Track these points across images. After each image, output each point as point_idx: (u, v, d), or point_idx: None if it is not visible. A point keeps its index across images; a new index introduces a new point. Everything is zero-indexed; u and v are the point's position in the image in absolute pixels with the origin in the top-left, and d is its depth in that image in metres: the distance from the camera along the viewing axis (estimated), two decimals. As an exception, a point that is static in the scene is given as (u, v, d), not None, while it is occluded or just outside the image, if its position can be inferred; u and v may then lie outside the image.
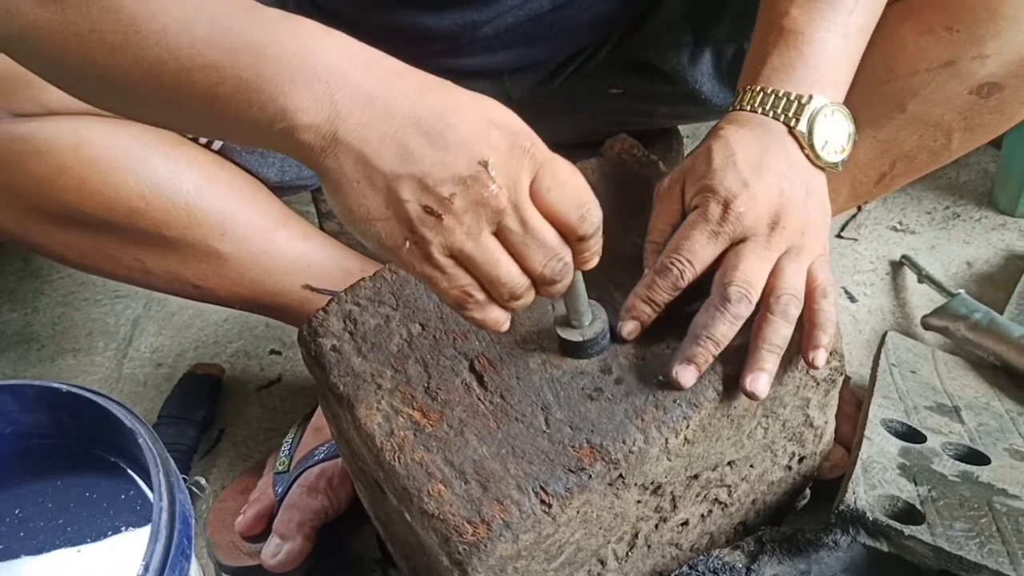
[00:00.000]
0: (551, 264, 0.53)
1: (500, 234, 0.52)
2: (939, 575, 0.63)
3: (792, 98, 0.63)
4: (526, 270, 0.53)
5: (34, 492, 0.67)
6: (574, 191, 0.52)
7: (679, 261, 0.61)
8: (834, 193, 0.69)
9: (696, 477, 0.65)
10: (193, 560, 0.61)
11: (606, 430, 0.59)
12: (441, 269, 0.51)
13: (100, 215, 0.76)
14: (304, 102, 0.48)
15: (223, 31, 0.48)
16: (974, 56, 0.71)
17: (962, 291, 0.98)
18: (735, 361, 0.61)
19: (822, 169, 0.65)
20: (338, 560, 0.86)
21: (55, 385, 0.65)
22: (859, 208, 1.19)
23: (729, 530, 0.74)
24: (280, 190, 0.88)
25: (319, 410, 0.90)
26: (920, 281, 1.07)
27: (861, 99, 0.69)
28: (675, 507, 0.66)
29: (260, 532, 0.85)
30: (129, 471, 0.67)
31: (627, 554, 0.66)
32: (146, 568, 0.55)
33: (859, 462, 0.69)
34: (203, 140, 0.81)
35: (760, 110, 0.64)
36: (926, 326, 0.99)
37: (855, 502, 0.65)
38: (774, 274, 0.61)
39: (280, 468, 0.88)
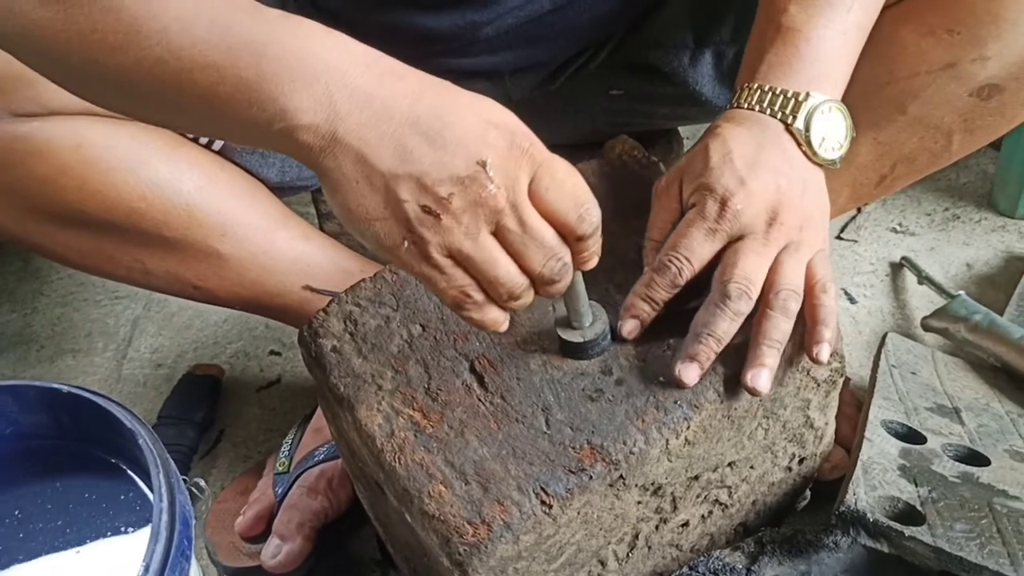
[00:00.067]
0: (550, 264, 0.53)
1: (499, 234, 0.52)
2: (939, 576, 0.64)
3: (789, 95, 0.63)
4: (525, 270, 0.53)
5: (34, 493, 0.67)
6: (572, 191, 0.52)
7: (677, 259, 0.61)
8: (834, 195, 0.69)
9: (697, 478, 0.65)
10: (193, 561, 0.61)
11: (607, 431, 0.59)
12: (440, 269, 0.51)
13: (101, 215, 0.76)
14: (303, 102, 0.48)
15: (223, 31, 0.48)
16: (975, 58, 0.71)
17: (962, 293, 0.98)
18: (735, 362, 0.61)
19: (820, 166, 0.65)
20: (338, 561, 0.86)
21: (55, 386, 0.65)
22: (859, 210, 1.19)
23: (729, 531, 0.74)
24: (280, 191, 0.88)
25: (319, 411, 0.89)
26: (920, 283, 1.07)
27: (862, 101, 0.69)
28: (675, 508, 0.66)
29: (260, 533, 0.85)
30: (129, 472, 0.67)
31: (627, 555, 0.66)
32: (146, 569, 0.55)
33: (859, 463, 0.69)
34: (203, 140, 0.81)
35: (757, 107, 0.64)
36: (926, 328, 0.99)
37: (855, 503, 0.65)
38: (773, 270, 0.61)
39: (280, 469, 0.88)
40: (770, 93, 0.64)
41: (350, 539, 0.87)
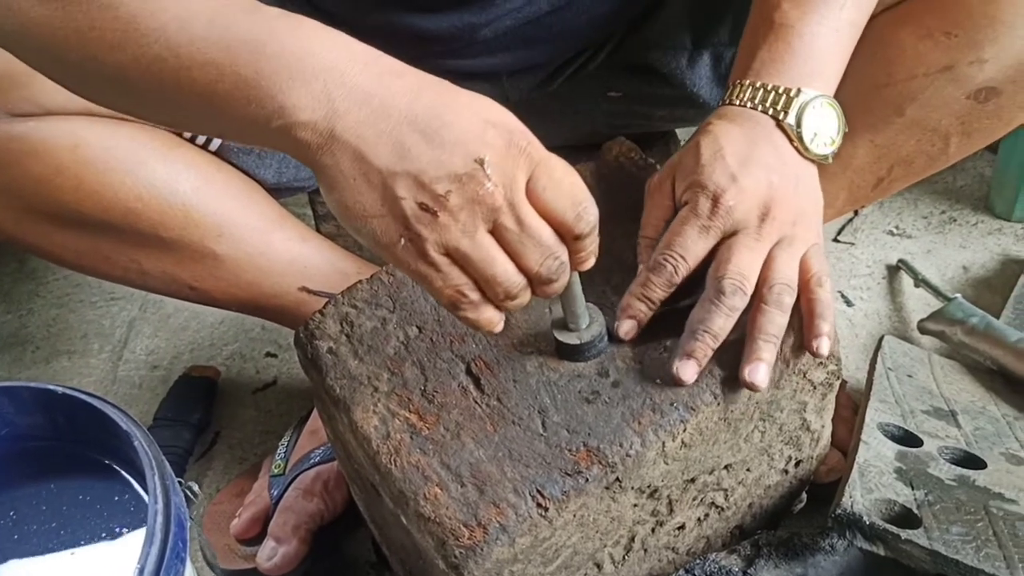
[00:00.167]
0: (547, 263, 0.53)
1: (496, 232, 0.51)
2: (935, 579, 0.64)
3: (780, 91, 0.63)
4: (522, 269, 0.53)
5: (28, 495, 0.67)
6: (570, 190, 0.52)
7: (672, 257, 0.61)
8: (831, 197, 0.69)
9: (693, 481, 0.65)
10: (188, 563, 0.61)
11: (603, 433, 0.59)
12: (436, 267, 0.51)
13: (97, 215, 0.75)
14: (302, 100, 0.48)
15: (222, 29, 0.48)
16: (972, 61, 0.71)
17: (958, 295, 0.98)
18: (731, 365, 0.61)
19: (812, 162, 0.65)
20: (334, 563, 0.85)
21: (51, 387, 0.65)
22: (856, 212, 1.19)
23: (725, 534, 0.74)
24: (277, 192, 0.88)
25: (315, 413, 0.89)
26: (916, 285, 1.07)
27: (859, 103, 0.69)
28: (672, 511, 0.66)
29: (255, 535, 0.85)
30: (124, 474, 0.67)
31: (623, 558, 0.66)
32: (141, 571, 0.54)
33: (856, 466, 0.69)
34: (200, 140, 0.81)
35: (749, 104, 0.64)
36: (922, 330, 0.99)
37: (852, 506, 0.65)
38: (767, 265, 0.62)
39: (276, 471, 0.88)
40: (761, 89, 0.64)
41: (346, 541, 0.87)
